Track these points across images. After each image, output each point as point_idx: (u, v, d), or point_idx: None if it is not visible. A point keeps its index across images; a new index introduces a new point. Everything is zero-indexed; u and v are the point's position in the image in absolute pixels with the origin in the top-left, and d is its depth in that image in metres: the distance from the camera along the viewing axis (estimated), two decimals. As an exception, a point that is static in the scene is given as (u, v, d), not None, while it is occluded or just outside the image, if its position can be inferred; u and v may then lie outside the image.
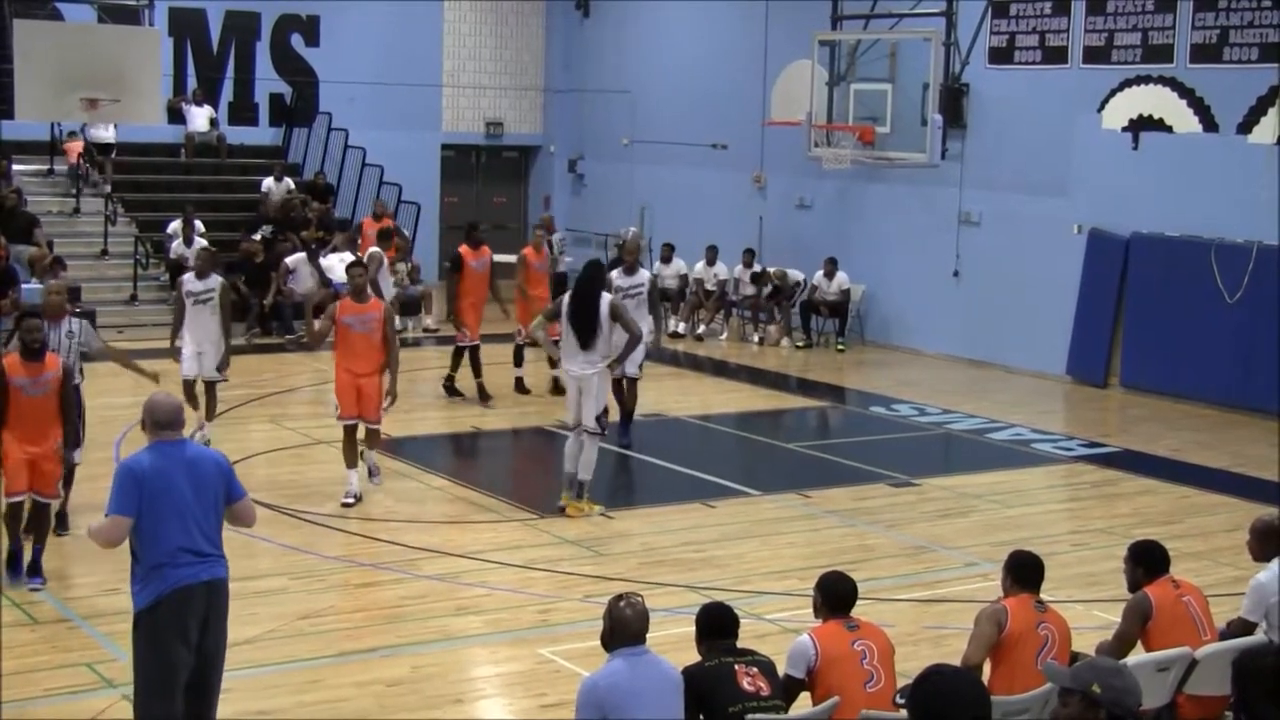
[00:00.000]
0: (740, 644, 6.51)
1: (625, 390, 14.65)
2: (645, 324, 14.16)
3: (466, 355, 16.69)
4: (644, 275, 14.86)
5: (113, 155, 23.10)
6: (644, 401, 16.09)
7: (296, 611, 9.71)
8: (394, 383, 12.44)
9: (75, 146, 22.69)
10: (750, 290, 22.22)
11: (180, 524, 6.69)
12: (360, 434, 12.49)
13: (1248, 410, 17.05)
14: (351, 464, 12.43)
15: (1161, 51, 18.11)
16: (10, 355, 10.15)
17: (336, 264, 21.26)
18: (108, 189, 22.79)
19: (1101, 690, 4.81)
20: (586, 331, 12.15)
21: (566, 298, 12.47)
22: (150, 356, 13.40)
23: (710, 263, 22.52)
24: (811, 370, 20.12)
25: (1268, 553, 7.71)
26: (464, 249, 16.80)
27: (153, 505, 6.67)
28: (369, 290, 12.77)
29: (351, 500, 12.32)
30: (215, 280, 13.91)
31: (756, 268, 22.15)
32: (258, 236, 22.23)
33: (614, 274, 14.40)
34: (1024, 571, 7.11)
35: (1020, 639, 6.81)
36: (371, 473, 12.79)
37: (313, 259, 21.20)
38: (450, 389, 16.95)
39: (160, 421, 6.89)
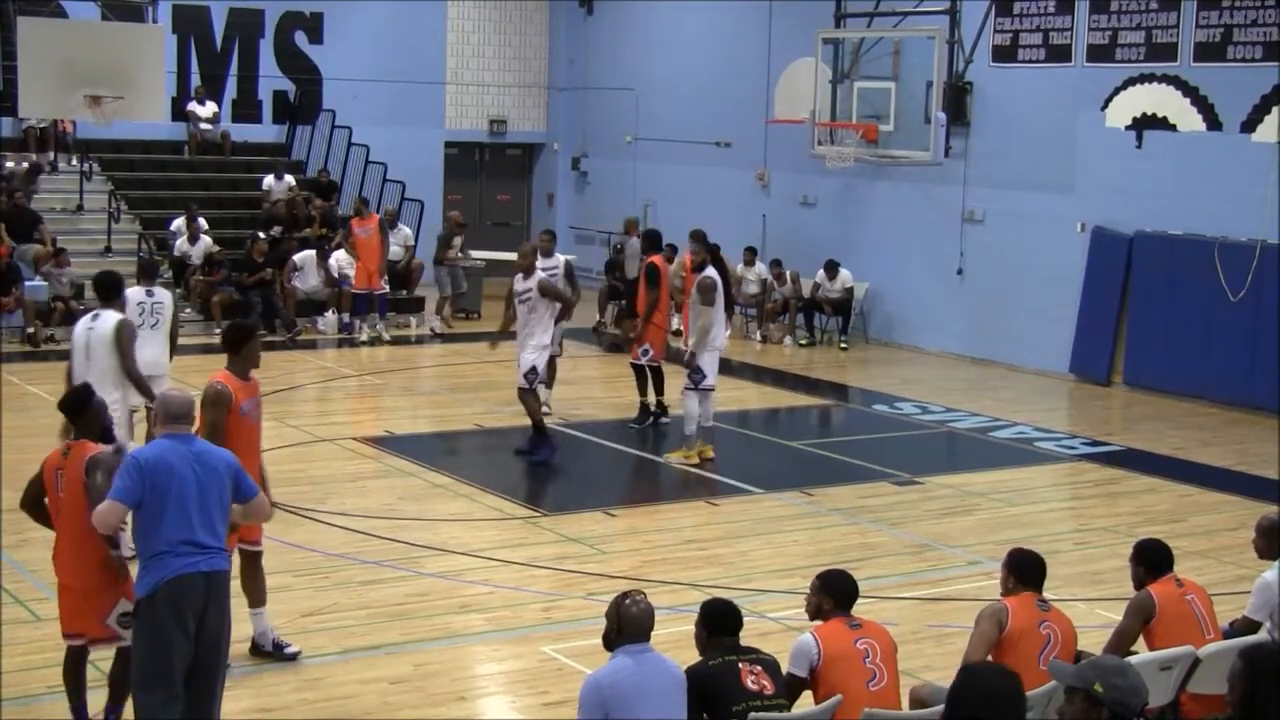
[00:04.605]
0: (743, 642, 6.51)
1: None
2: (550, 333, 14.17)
3: (648, 373, 15.39)
4: (538, 276, 13.74)
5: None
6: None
7: (300, 609, 9.71)
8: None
9: None
10: (754, 289, 22.19)
11: (181, 515, 6.74)
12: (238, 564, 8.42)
13: (1251, 409, 17.05)
14: (252, 600, 8.85)
15: (1165, 50, 18.10)
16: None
17: (333, 263, 21.36)
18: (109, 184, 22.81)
19: (1104, 689, 4.82)
20: (731, 301, 14.55)
21: (719, 278, 13.75)
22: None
23: (713, 260, 22.46)
24: (814, 368, 20.12)
25: (1273, 551, 7.71)
26: (658, 259, 15.13)
27: (154, 496, 6.72)
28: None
29: (290, 650, 8.87)
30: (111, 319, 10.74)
31: (765, 270, 22.12)
32: (263, 235, 22.22)
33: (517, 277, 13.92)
34: (1025, 570, 7.10)
35: (1021, 637, 6.79)
36: (261, 646, 8.87)
37: (322, 257, 21.25)
38: (656, 412, 15.58)
39: (171, 414, 7.01)
